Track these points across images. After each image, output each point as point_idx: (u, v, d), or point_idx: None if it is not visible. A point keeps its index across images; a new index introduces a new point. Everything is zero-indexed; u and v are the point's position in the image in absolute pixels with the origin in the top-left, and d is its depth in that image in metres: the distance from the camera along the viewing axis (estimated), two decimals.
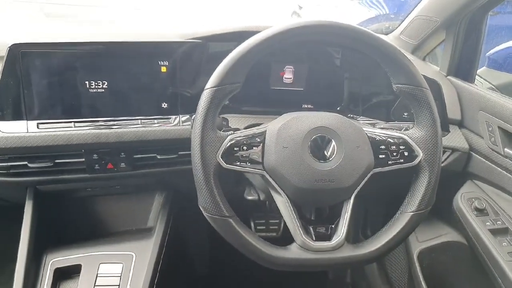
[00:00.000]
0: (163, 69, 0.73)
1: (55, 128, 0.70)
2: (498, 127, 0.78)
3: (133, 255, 0.73)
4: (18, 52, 0.66)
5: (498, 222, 0.77)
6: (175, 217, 0.87)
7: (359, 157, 0.58)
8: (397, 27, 1.02)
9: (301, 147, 0.56)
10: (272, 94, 0.85)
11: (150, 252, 0.74)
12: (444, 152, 0.84)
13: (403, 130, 0.63)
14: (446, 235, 0.92)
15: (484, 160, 0.82)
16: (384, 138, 0.60)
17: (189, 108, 0.75)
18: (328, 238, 0.58)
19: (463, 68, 0.91)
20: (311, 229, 0.59)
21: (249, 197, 0.76)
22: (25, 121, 0.69)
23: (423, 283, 0.90)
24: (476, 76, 0.94)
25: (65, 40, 0.70)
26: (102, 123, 0.72)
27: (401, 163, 0.60)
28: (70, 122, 0.71)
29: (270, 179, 0.57)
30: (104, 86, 0.71)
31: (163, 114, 0.75)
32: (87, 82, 0.70)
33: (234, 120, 0.79)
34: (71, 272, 0.71)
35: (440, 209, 0.75)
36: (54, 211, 0.82)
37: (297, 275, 1.13)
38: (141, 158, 0.75)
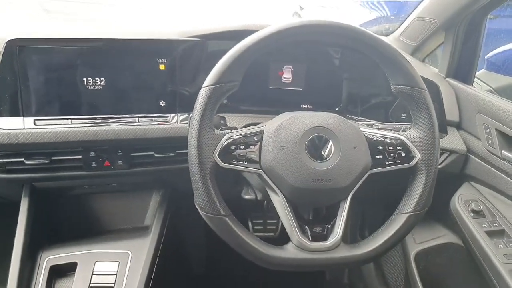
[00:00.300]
0: (162, 67, 0.73)
1: (52, 124, 0.69)
2: (496, 129, 0.78)
3: (129, 253, 0.73)
4: (15, 47, 0.66)
5: (494, 224, 0.77)
6: (172, 215, 0.86)
7: (356, 157, 0.58)
8: (397, 29, 1.02)
9: (298, 146, 0.56)
10: (270, 93, 0.85)
11: (147, 251, 0.74)
12: (441, 153, 0.85)
13: (400, 131, 0.63)
14: (443, 236, 0.92)
15: (481, 162, 0.83)
16: (381, 138, 0.60)
17: (188, 106, 0.75)
18: (325, 238, 0.58)
19: (462, 70, 0.92)
20: (307, 229, 0.59)
21: (247, 197, 0.76)
22: (22, 118, 0.69)
23: (419, 285, 0.90)
24: (475, 78, 0.94)
25: (63, 36, 0.69)
26: (100, 120, 0.72)
27: (398, 164, 0.60)
28: (67, 119, 0.70)
29: (267, 179, 0.57)
30: (101, 83, 0.71)
31: (161, 112, 0.75)
32: (84, 79, 0.70)
33: (232, 119, 0.79)
34: (67, 269, 0.71)
35: (437, 210, 0.75)
36: (50, 208, 0.81)
37: (294, 276, 1.12)
38: (138, 156, 0.75)
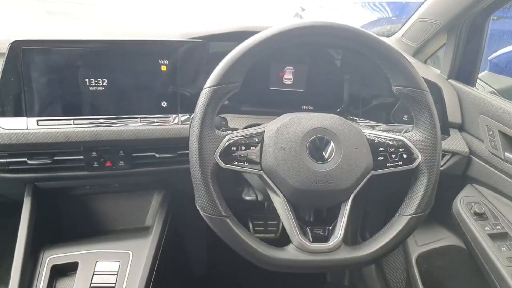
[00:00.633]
0: (163, 68, 0.73)
1: (54, 125, 0.70)
2: (499, 131, 0.77)
3: (130, 253, 0.73)
4: (19, 49, 0.66)
5: (497, 227, 0.77)
6: (173, 216, 0.87)
7: (358, 159, 0.57)
8: (398, 30, 1.02)
9: (300, 148, 0.56)
10: (271, 94, 0.85)
11: (147, 251, 0.74)
12: (444, 155, 0.84)
13: (402, 132, 0.63)
14: (445, 239, 0.92)
15: (484, 164, 0.82)
16: (383, 140, 0.60)
17: (189, 107, 0.75)
18: (325, 239, 0.58)
19: (464, 71, 0.91)
20: (308, 230, 0.59)
21: (248, 198, 0.76)
22: (25, 118, 0.69)
23: (421, 287, 0.89)
24: (478, 79, 0.94)
25: (66, 38, 0.70)
26: (102, 121, 0.72)
27: (399, 165, 0.60)
28: (70, 119, 0.71)
29: (268, 180, 0.57)
30: (104, 84, 0.71)
31: (162, 113, 0.75)
32: (87, 80, 0.70)
33: (233, 120, 0.79)
34: (68, 269, 0.71)
35: (439, 213, 0.75)
36: (52, 208, 0.82)
37: (295, 278, 1.12)
38: (140, 157, 0.75)
